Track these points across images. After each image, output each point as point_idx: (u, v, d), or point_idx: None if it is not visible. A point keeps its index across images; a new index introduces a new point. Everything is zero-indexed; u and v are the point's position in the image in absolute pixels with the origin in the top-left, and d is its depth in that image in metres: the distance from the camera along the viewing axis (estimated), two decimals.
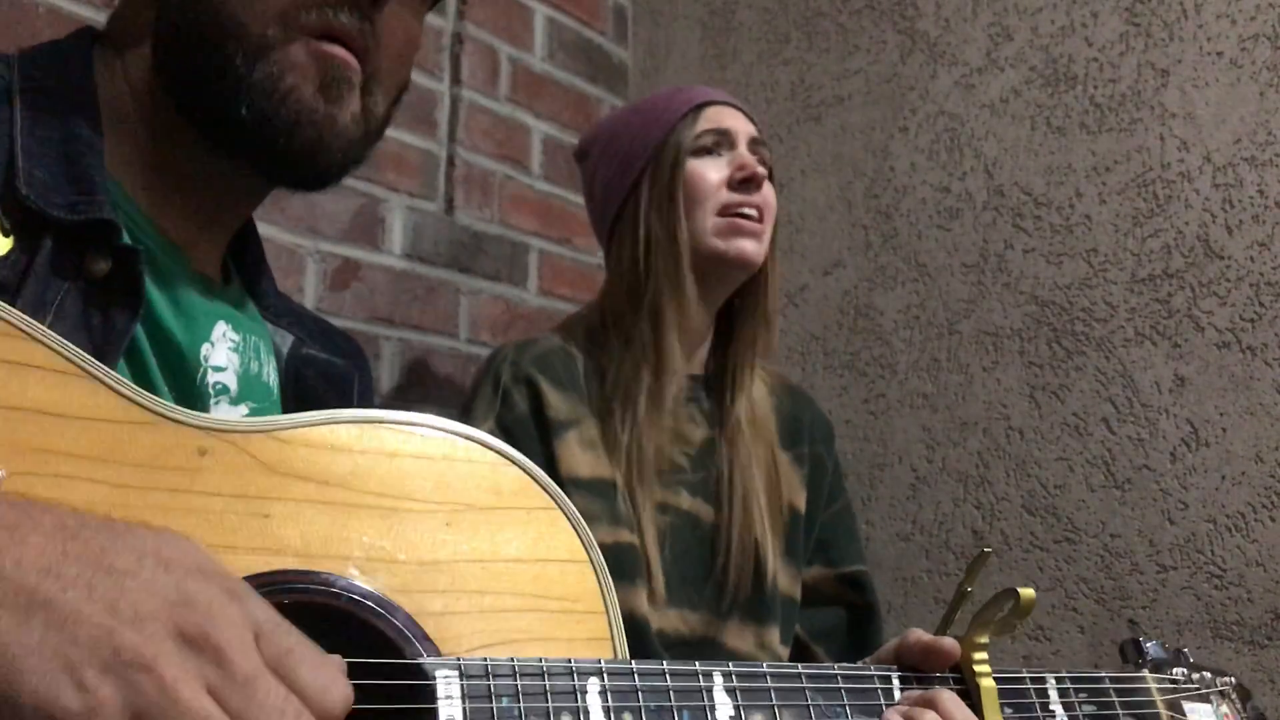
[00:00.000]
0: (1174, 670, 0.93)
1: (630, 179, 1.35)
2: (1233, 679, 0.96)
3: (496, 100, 1.91)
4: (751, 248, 1.31)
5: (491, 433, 1.18)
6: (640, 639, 1.19)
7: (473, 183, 1.84)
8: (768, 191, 1.35)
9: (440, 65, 1.83)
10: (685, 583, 1.27)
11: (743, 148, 1.34)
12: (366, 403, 0.92)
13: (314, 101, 0.71)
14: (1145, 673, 0.91)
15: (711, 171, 1.32)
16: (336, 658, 0.52)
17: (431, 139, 1.80)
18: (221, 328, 0.76)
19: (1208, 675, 0.94)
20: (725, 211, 1.31)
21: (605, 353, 1.31)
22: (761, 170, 1.32)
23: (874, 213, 1.88)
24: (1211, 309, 1.56)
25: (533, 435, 1.23)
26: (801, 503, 1.39)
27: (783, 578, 1.33)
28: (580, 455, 1.24)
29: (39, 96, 0.70)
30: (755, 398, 1.38)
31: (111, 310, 0.66)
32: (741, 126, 1.36)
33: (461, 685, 0.58)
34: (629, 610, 1.19)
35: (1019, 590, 0.76)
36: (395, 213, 1.71)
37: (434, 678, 0.58)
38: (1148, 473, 1.58)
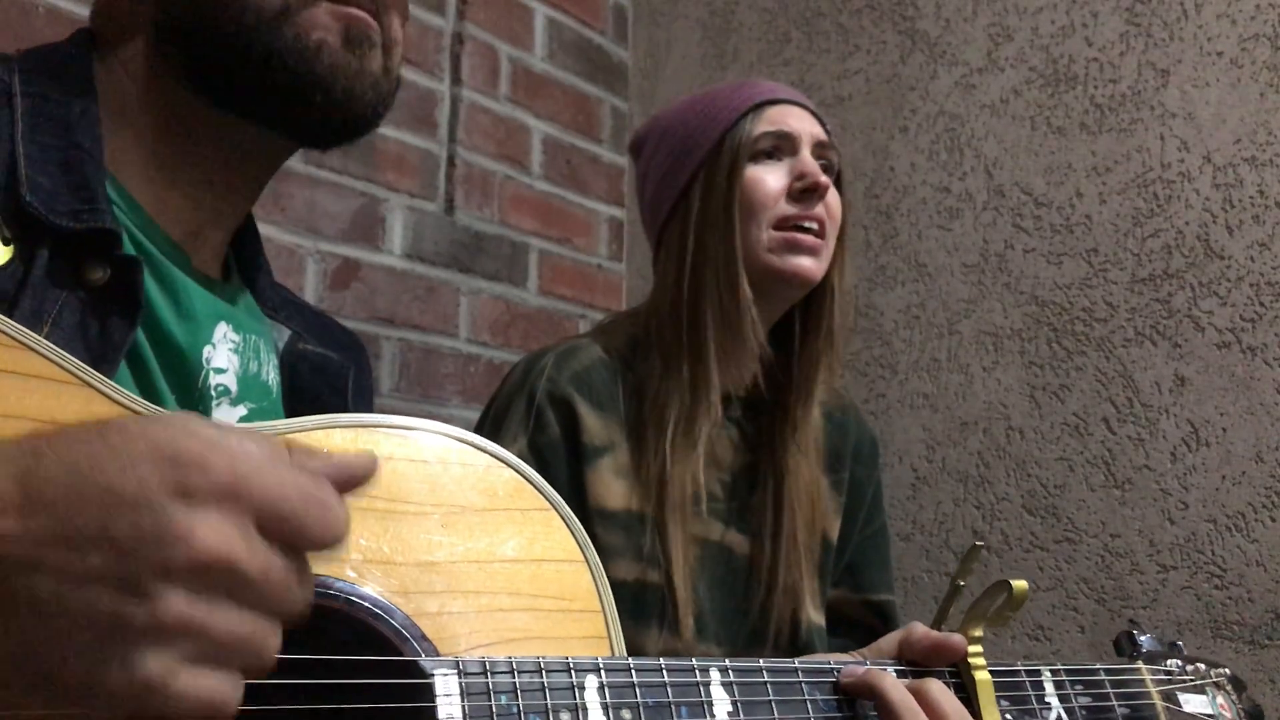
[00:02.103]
0: (1168, 662, 0.93)
1: (682, 181, 1.24)
2: (1227, 670, 0.96)
3: (496, 100, 1.91)
4: (809, 264, 1.19)
5: (522, 454, 1.14)
6: None
7: (473, 183, 1.85)
8: (832, 201, 1.22)
9: (440, 65, 1.83)
10: (716, 619, 1.21)
11: (805, 152, 1.22)
12: (364, 398, 0.92)
13: (344, 55, 0.73)
14: (1140, 664, 0.91)
15: (770, 179, 1.20)
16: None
17: (431, 139, 1.80)
18: (223, 329, 0.76)
19: (1202, 667, 0.94)
20: (783, 225, 1.19)
21: (646, 368, 1.22)
22: (824, 180, 1.20)
23: (874, 213, 1.88)
24: (1211, 309, 1.55)
25: (563, 461, 1.16)
26: (835, 532, 1.31)
27: (814, 612, 1.26)
28: (612, 485, 1.16)
29: (39, 101, 0.70)
30: (810, 424, 1.26)
31: (109, 320, 0.66)
32: (806, 128, 1.24)
33: (460, 684, 0.59)
34: (637, 650, 1.11)
35: (1011, 583, 0.76)
36: (395, 213, 1.72)
37: (432, 676, 0.58)
38: (1148, 473, 1.58)
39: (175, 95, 0.74)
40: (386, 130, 1.73)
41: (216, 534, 0.43)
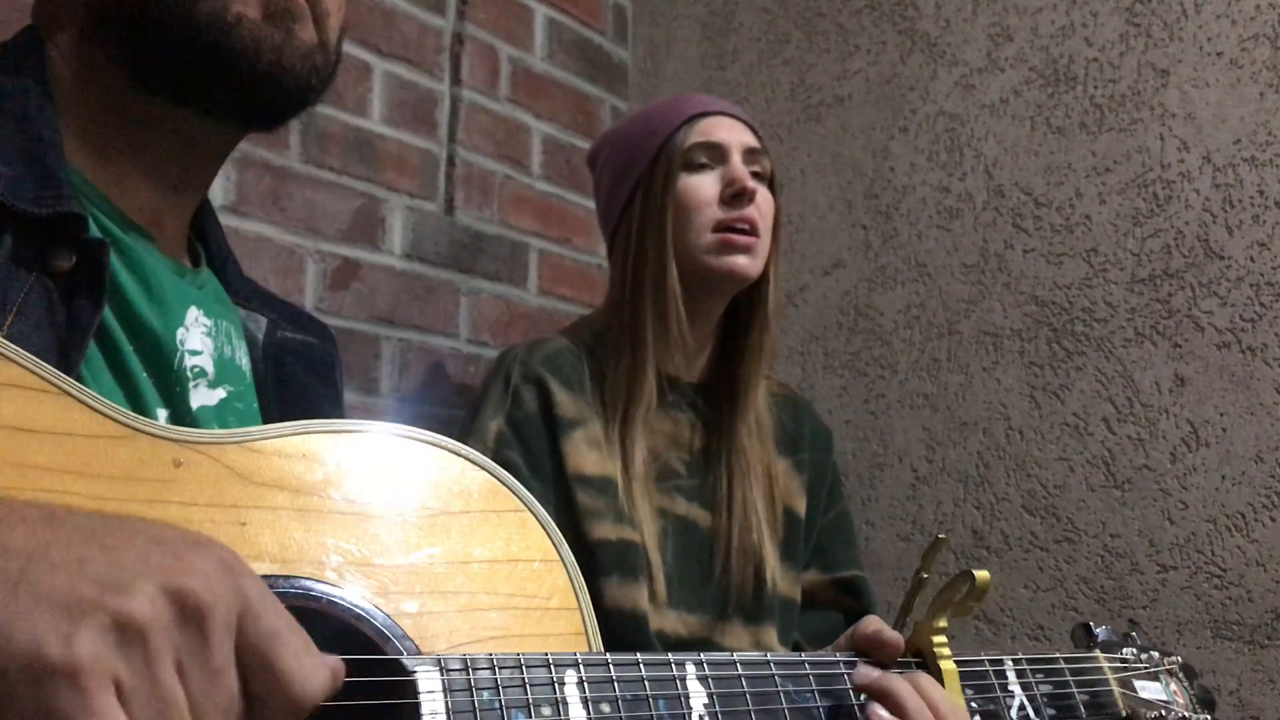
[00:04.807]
0: (1124, 650, 0.95)
1: (626, 191, 1.36)
2: (1179, 659, 0.99)
3: (496, 100, 1.91)
4: (743, 262, 1.31)
5: (501, 430, 1.23)
6: (639, 635, 1.21)
7: (473, 183, 1.85)
8: (762, 202, 1.34)
9: (440, 65, 1.84)
10: (684, 586, 1.29)
11: (736, 160, 1.33)
12: (341, 387, 0.93)
13: (265, 27, 0.73)
14: (1097, 653, 0.93)
15: (703, 187, 1.32)
16: (335, 659, 0.52)
17: (431, 139, 1.81)
18: (194, 313, 0.77)
19: (1155, 655, 0.97)
20: (718, 228, 1.30)
21: (604, 357, 1.33)
22: (751, 185, 1.31)
23: (874, 213, 1.88)
24: (1211, 309, 1.55)
25: (541, 433, 1.25)
26: (801, 507, 1.40)
27: (782, 581, 1.34)
28: (587, 453, 1.26)
29: None
30: (757, 406, 1.38)
31: (75, 304, 0.66)
32: (736, 138, 1.35)
33: (442, 680, 0.59)
34: (630, 606, 1.21)
35: (974, 573, 0.77)
36: (395, 213, 1.72)
37: (415, 674, 0.59)
38: (1148, 473, 1.58)
39: (112, 82, 0.74)
40: (386, 130, 1.73)
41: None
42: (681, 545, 1.30)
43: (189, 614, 0.43)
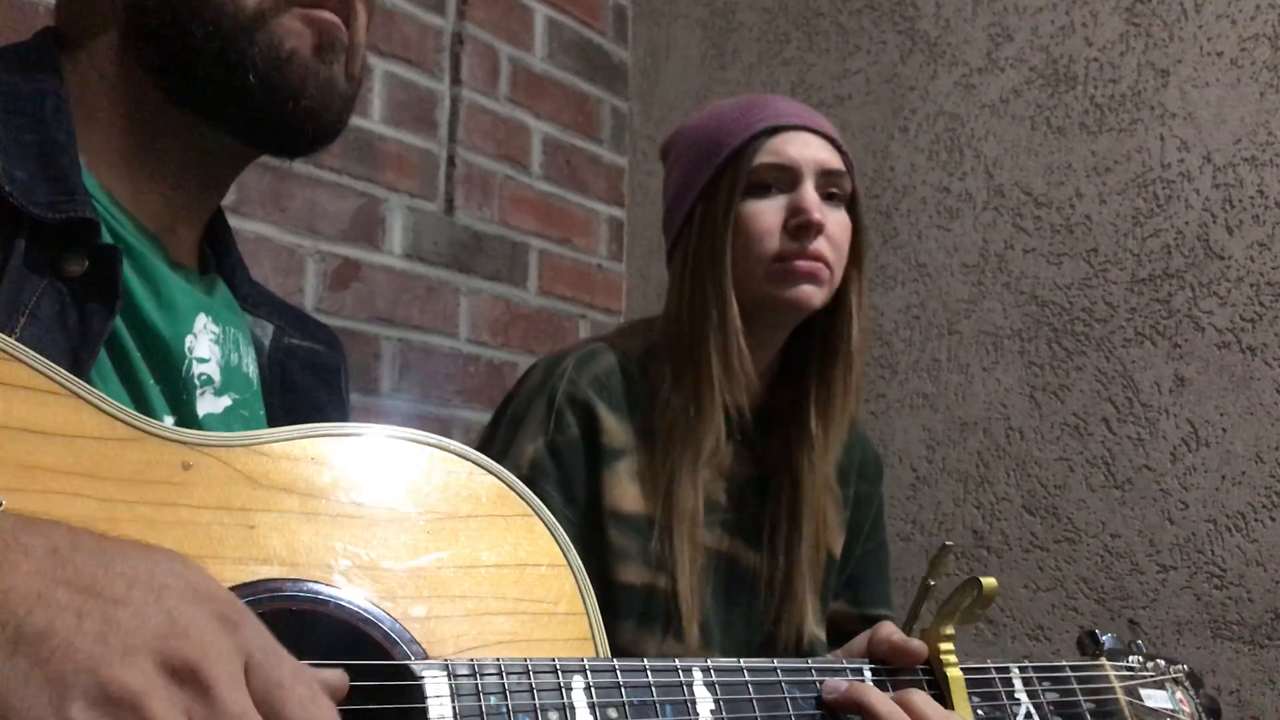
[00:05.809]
0: (1130, 659, 0.95)
1: (688, 205, 1.24)
2: (1185, 667, 0.98)
3: (496, 100, 1.91)
4: (808, 290, 1.18)
5: (540, 453, 1.16)
6: None
7: (473, 183, 1.85)
8: (835, 231, 1.20)
9: (440, 65, 1.83)
10: (720, 628, 1.23)
11: (807, 186, 1.19)
12: (348, 395, 0.93)
13: (315, 64, 0.73)
14: (1103, 661, 0.93)
15: (766, 215, 1.19)
16: (337, 674, 0.52)
17: (431, 139, 1.81)
18: (203, 320, 0.77)
19: (1162, 663, 0.97)
20: (780, 258, 1.18)
21: (658, 375, 1.23)
22: (818, 217, 1.17)
23: (874, 213, 1.88)
24: (1211, 309, 1.55)
25: (581, 461, 1.17)
26: (838, 548, 1.32)
27: (815, 626, 1.28)
28: (627, 488, 1.18)
29: (12, 99, 0.70)
30: (836, 453, 1.27)
31: (87, 308, 0.66)
32: (810, 156, 1.20)
33: (450, 685, 0.59)
34: (639, 654, 1.15)
35: (981, 580, 0.77)
36: (395, 213, 1.72)
37: (422, 678, 0.59)
38: (1148, 473, 1.58)
39: (143, 94, 0.74)
40: (386, 130, 1.73)
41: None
42: (720, 585, 1.23)
43: (184, 677, 0.43)
